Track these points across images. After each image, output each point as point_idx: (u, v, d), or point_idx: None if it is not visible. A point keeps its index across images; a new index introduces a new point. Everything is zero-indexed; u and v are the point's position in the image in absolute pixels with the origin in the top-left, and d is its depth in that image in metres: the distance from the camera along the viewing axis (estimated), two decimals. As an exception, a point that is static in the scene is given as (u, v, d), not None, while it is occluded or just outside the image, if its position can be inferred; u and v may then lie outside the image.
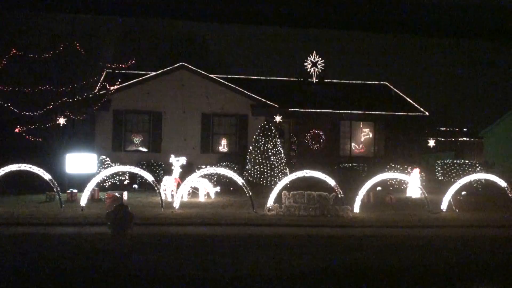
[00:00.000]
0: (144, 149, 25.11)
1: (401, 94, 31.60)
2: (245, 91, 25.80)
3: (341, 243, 12.24)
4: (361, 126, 28.41)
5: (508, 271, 9.95)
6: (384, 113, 28.18)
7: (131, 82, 25.01)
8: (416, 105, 29.72)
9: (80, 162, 20.02)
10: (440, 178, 25.64)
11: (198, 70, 25.80)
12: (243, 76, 31.74)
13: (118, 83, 23.27)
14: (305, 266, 9.80)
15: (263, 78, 32.28)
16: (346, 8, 6.75)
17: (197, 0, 6.73)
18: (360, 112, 27.98)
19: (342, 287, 8.81)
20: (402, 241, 12.59)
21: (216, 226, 14.04)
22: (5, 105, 19.97)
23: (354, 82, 33.14)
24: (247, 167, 22.44)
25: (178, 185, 18.35)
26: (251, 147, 22.72)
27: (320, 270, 9.62)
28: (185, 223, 14.17)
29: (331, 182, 16.65)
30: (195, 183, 18.61)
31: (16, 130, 20.84)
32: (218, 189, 19.59)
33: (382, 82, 33.45)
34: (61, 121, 20.92)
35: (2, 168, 15.72)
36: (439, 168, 26.22)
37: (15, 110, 20.11)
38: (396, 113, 28.39)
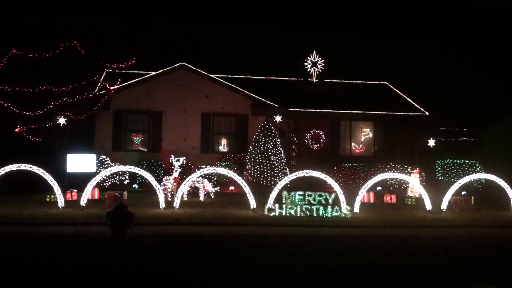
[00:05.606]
0: (144, 149, 25.13)
1: (401, 94, 31.61)
2: (245, 91, 25.81)
3: (341, 243, 12.25)
4: (361, 126, 28.42)
5: (508, 271, 9.96)
6: (384, 113, 28.18)
7: (131, 81, 25.02)
8: (416, 105, 29.72)
9: (80, 162, 20.02)
10: (440, 178, 25.63)
11: (198, 70, 25.79)
12: (243, 76, 31.70)
13: (118, 82, 23.26)
14: (305, 266, 9.81)
15: (263, 78, 32.26)
16: (347, 8, 6.76)
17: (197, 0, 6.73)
18: (360, 112, 27.98)
19: (342, 287, 8.81)
20: (402, 241, 12.60)
21: (216, 226, 14.03)
22: (5, 105, 19.98)
23: (354, 82, 33.14)
24: (247, 167, 22.44)
25: (178, 185, 18.37)
26: (251, 147, 22.72)
27: (320, 270, 9.62)
28: (185, 223, 14.17)
29: (331, 182, 16.65)
30: (195, 183, 18.63)
31: (16, 130, 20.84)
32: (218, 189, 19.58)
33: (382, 82, 33.47)
34: (61, 121, 20.91)
35: (2, 168, 15.74)
36: (439, 168, 26.22)
37: (15, 110, 20.11)
38: (396, 113, 28.38)
